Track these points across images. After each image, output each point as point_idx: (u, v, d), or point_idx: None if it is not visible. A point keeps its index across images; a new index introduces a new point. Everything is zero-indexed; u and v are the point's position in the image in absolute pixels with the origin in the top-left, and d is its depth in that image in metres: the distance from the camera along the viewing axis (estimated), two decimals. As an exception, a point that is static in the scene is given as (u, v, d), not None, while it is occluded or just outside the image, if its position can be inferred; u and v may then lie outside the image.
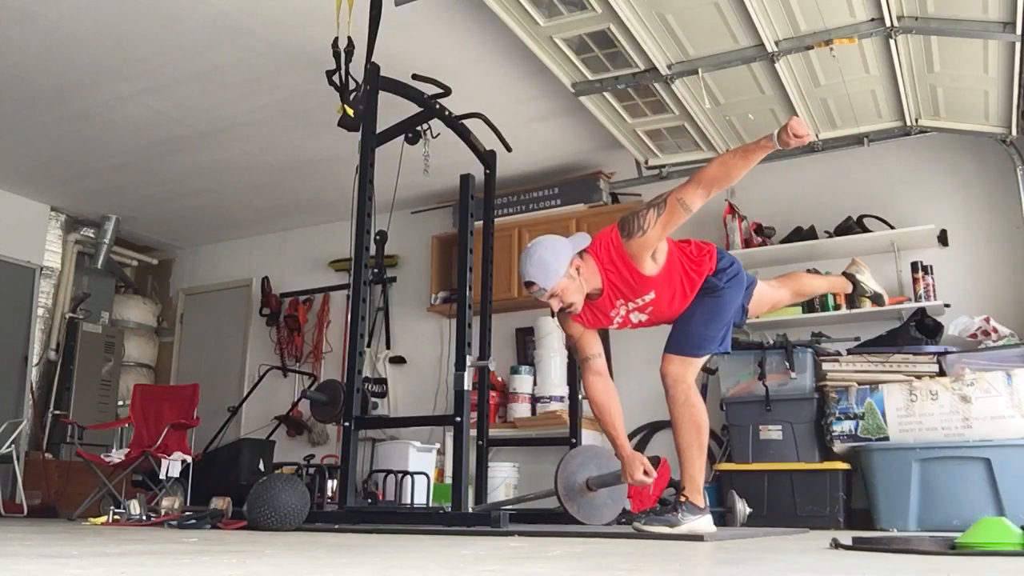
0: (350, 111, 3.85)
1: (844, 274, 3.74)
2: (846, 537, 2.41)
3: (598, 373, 3.08)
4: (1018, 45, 3.82)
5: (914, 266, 4.86)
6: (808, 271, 4.44)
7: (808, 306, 5.03)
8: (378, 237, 5.12)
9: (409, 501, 5.10)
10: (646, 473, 3.04)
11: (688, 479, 2.94)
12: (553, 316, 3.04)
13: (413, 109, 4.32)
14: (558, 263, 2.86)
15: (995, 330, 4.44)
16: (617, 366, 5.13)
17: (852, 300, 4.72)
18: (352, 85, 3.90)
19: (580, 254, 2.92)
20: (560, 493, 3.27)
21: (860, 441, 4.30)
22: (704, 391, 4.95)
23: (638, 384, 5.22)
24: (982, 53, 4.02)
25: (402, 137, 4.34)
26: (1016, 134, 4.59)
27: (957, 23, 3.82)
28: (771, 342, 4.81)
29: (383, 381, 6.41)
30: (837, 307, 4.96)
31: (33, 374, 6.72)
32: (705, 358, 3.09)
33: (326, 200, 6.62)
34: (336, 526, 3.42)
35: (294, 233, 7.45)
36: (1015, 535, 2.09)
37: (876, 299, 3.81)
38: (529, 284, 2.90)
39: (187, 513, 4.16)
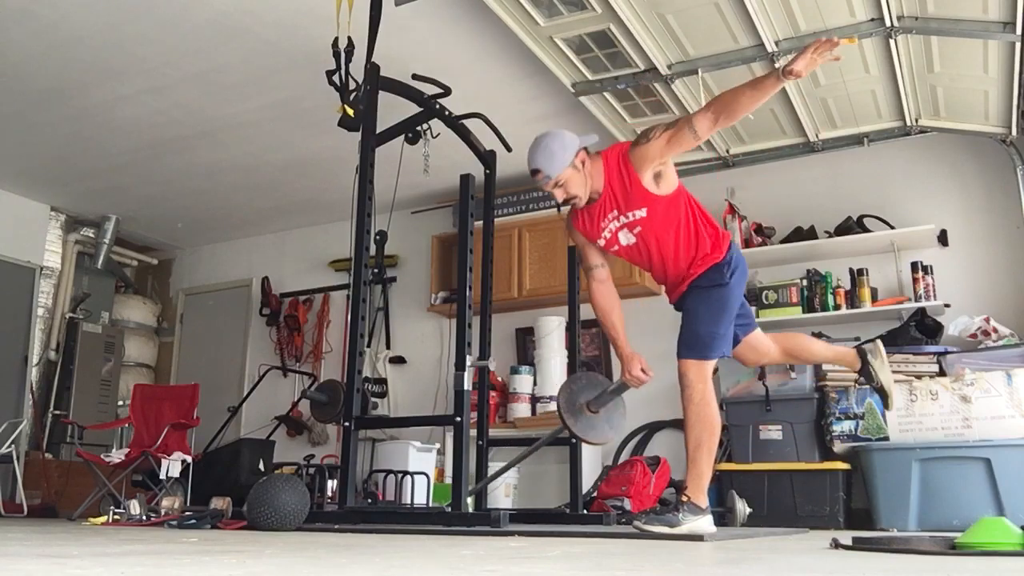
0: (350, 111, 3.85)
1: (857, 348, 3.48)
2: (846, 537, 2.41)
3: (601, 281, 3.15)
4: (1018, 45, 3.82)
5: (914, 266, 4.87)
6: (814, 334, 4.43)
7: (808, 306, 5.03)
8: (378, 237, 5.12)
9: (409, 501, 5.10)
10: (644, 371, 3.07)
11: (694, 479, 2.94)
12: (558, 211, 3.07)
13: (413, 109, 4.32)
14: (565, 153, 2.93)
15: (995, 330, 4.44)
16: (618, 365, 5.13)
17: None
18: (352, 85, 3.90)
19: (587, 150, 2.99)
20: (561, 409, 3.32)
21: (860, 441, 4.31)
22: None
23: (638, 384, 5.22)
24: (982, 53, 4.02)
25: (402, 137, 4.34)
26: (1016, 134, 4.59)
27: (957, 23, 3.82)
28: (771, 342, 4.81)
29: (383, 381, 6.41)
30: (837, 307, 4.97)
31: (33, 374, 6.72)
32: (717, 358, 3.06)
33: (326, 200, 6.62)
34: (336, 526, 3.42)
35: (294, 233, 7.46)
36: (1015, 535, 2.09)
37: (881, 394, 3.43)
38: (535, 172, 2.97)
39: (187, 513, 4.16)
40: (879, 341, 3.57)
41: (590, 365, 5.67)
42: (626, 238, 3.05)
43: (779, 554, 2.16)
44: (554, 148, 2.95)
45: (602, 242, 3.11)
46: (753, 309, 5.12)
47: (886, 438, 4.24)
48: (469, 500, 3.81)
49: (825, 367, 4.55)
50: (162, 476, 4.99)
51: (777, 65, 2.80)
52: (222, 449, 6.00)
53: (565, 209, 3.16)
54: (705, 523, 2.89)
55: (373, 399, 6.16)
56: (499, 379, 5.77)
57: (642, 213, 2.98)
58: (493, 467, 5.04)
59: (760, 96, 2.82)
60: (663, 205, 2.97)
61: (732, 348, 3.13)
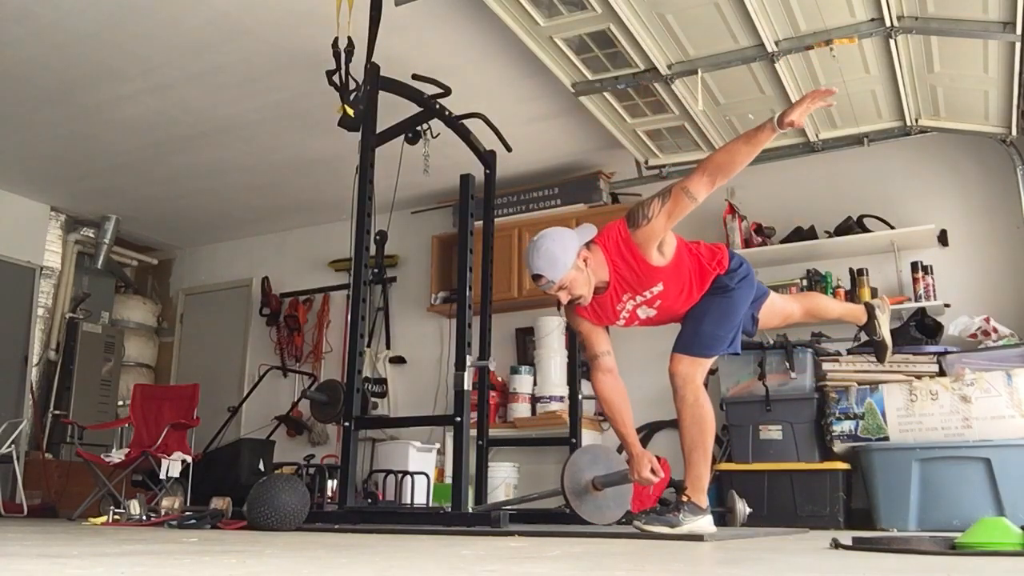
0: (350, 111, 3.85)
1: (865, 304, 3.61)
2: (846, 537, 2.41)
3: (608, 371, 3.06)
4: (1018, 45, 3.82)
5: (914, 266, 4.87)
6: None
7: (808, 306, 5.03)
8: (378, 237, 5.12)
9: (409, 501, 5.10)
10: (653, 472, 3.03)
11: (693, 479, 2.94)
12: (559, 309, 3.04)
13: (413, 109, 4.32)
14: (566, 255, 2.84)
15: (995, 330, 4.44)
16: (619, 367, 5.13)
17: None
18: (352, 85, 3.90)
19: (587, 245, 2.90)
20: (566, 490, 3.26)
21: (860, 441, 4.30)
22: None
23: (639, 384, 5.19)
24: (982, 53, 4.02)
25: (402, 137, 4.34)
26: (1016, 134, 4.59)
27: (957, 23, 3.82)
28: (771, 342, 4.81)
29: (383, 381, 6.41)
30: (837, 307, 4.96)
31: (33, 374, 6.72)
32: (714, 358, 3.08)
33: (326, 200, 6.62)
34: (336, 526, 3.42)
35: (294, 233, 7.45)
36: (1015, 535, 2.09)
37: (879, 347, 3.58)
38: (537, 277, 2.87)
39: (187, 513, 4.16)
40: (886, 297, 3.71)
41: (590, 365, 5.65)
42: (646, 313, 3.01)
43: (779, 554, 2.16)
44: (555, 252, 2.84)
45: (621, 322, 3.04)
46: (753, 309, 5.15)
47: (886, 438, 4.24)
48: (468, 496, 3.80)
49: (825, 367, 4.55)
50: (162, 476, 4.99)
51: (773, 117, 2.77)
52: (222, 449, 6.00)
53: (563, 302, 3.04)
54: (705, 523, 2.89)
55: (373, 399, 6.16)
56: (499, 379, 5.76)
57: (658, 288, 2.94)
58: (493, 467, 5.05)
59: (755, 150, 2.78)
60: (674, 271, 2.94)
61: (747, 333, 3.17)
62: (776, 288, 5.09)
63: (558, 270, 2.84)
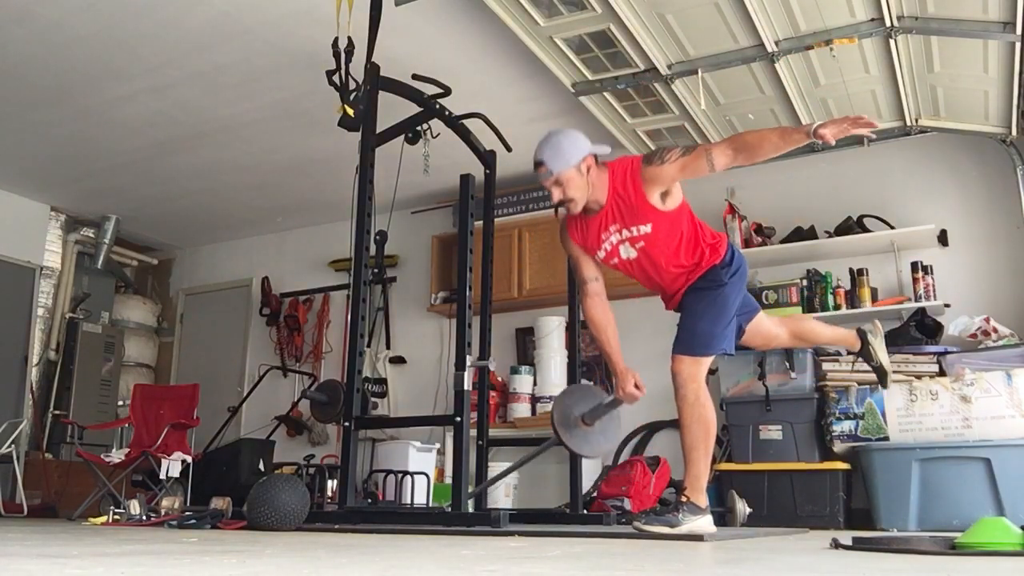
0: (350, 111, 3.85)
1: (858, 330, 3.53)
2: (846, 537, 2.41)
3: (596, 295, 3.12)
4: (1018, 45, 3.82)
5: (914, 266, 4.87)
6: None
7: (808, 306, 5.03)
8: (378, 237, 5.11)
9: (409, 501, 5.10)
10: (637, 387, 3.05)
11: (692, 479, 2.94)
12: (555, 213, 3.07)
13: (413, 109, 4.32)
14: (572, 152, 2.91)
15: (995, 330, 4.44)
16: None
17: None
18: (352, 85, 3.90)
19: (596, 158, 2.96)
20: (555, 422, 3.29)
21: (860, 441, 4.31)
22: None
23: (638, 384, 5.21)
24: (982, 53, 4.02)
25: (402, 137, 4.34)
26: (1016, 134, 4.59)
27: (957, 23, 3.82)
28: (771, 342, 4.81)
29: (383, 381, 6.41)
30: (837, 307, 4.97)
31: (33, 374, 6.72)
32: (712, 357, 3.06)
33: (326, 200, 6.62)
34: (336, 526, 3.42)
35: (294, 233, 7.46)
36: (1015, 535, 2.09)
37: (879, 372, 3.53)
38: (538, 164, 2.96)
39: (187, 513, 4.16)
40: (877, 321, 3.62)
41: (590, 365, 5.67)
42: (627, 252, 3.03)
43: (779, 554, 2.16)
44: (563, 145, 2.94)
45: (602, 254, 3.07)
46: (753, 309, 5.15)
47: (886, 438, 4.24)
48: (469, 502, 3.80)
49: (825, 367, 4.55)
50: (162, 476, 4.99)
51: (811, 124, 2.75)
52: (222, 449, 6.00)
53: (561, 212, 3.12)
54: (705, 523, 2.89)
55: (373, 399, 6.16)
56: (499, 379, 5.76)
57: (646, 229, 2.96)
58: (493, 467, 5.05)
59: (784, 147, 2.80)
60: (668, 221, 2.96)
61: (734, 343, 3.12)
62: (776, 288, 5.12)
63: (559, 163, 2.91)
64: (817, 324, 3.62)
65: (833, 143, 2.75)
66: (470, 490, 4.16)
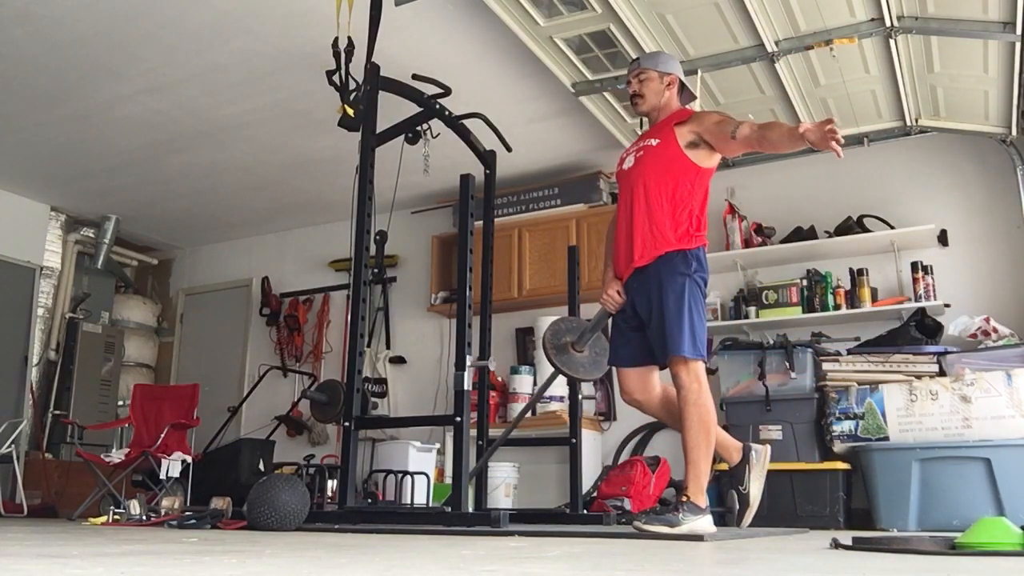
0: (350, 111, 3.85)
1: (744, 444, 3.18)
2: (846, 537, 2.41)
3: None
4: (1018, 45, 3.82)
5: (914, 266, 4.87)
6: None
7: (808, 306, 5.03)
8: (378, 237, 5.12)
9: (409, 501, 5.10)
10: (617, 292, 3.16)
11: (693, 479, 2.93)
12: (631, 103, 3.29)
13: (413, 109, 4.32)
14: (667, 63, 3.26)
15: (995, 330, 4.44)
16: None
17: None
18: (352, 85, 3.90)
19: (682, 87, 3.25)
20: (547, 344, 3.44)
21: (860, 441, 4.30)
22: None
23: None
24: (982, 53, 4.02)
25: (402, 137, 4.33)
26: (1016, 134, 4.59)
27: (957, 23, 3.82)
28: (771, 342, 4.82)
29: (383, 381, 6.41)
30: (837, 307, 4.97)
31: (33, 374, 6.72)
32: (703, 355, 3.00)
33: (326, 200, 6.62)
34: (336, 526, 3.42)
35: (294, 233, 7.46)
36: (1015, 535, 2.09)
37: (741, 501, 3.09)
38: (633, 61, 3.30)
39: (187, 513, 4.16)
40: (768, 448, 3.23)
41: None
42: (630, 160, 3.21)
43: (779, 554, 2.16)
44: (662, 56, 3.30)
45: (617, 162, 3.30)
46: (753, 309, 5.15)
47: (886, 438, 4.24)
48: (469, 496, 3.80)
49: (825, 367, 4.54)
50: (162, 476, 4.99)
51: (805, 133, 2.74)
52: (222, 449, 6.00)
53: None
54: (705, 523, 2.89)
55: (373, 399, 6.16)
56: (499, 379, 5.76)
57: (653, 142, 3.15)
58: (494, 467, 5.05)
59: (792, 147, 2.92)
60: (674, 154, 3.07)
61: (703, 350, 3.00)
62: (776, 288, 5.13)
63: (651, 62, 3.25)
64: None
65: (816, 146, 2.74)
66: (471, 500, 4.16)
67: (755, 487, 3.11)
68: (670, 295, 2.98)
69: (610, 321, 3.30)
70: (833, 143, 2.68)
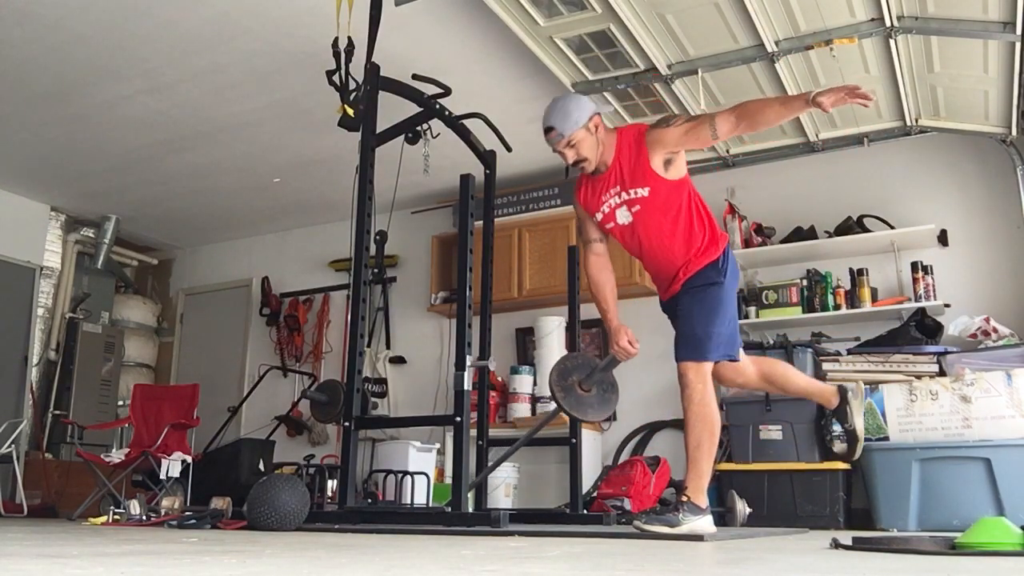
0: (350, 111, 3.85)
1: (839, 387, 3.37)
2: (846, 537, 2.41)
3: (599, 254, 3.19)
4: (1018, 45, 3.82)
5: (914, 266, 4.87)
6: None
7: (808, 306, 5.03)
8: (378, 237, 5.12)
9: (409, 501, 5.10)
10: (631, 343, 3.08)
11: (694, 479, 2.93)
12: (566, 174, 3.11)
13: (413, 109, 4.32)
14: (580, 113, 2.98)
15: (995, 330, 4.44)
16: (616, 369, 5.13)
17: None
18: (352, 85, 3.90)
19: (602, 118, 3.04)
20: (553, 384, 3.34)
21: (860, 441, 4.30)
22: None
23: (638, 386, 5.22)
24: (982, 53, 4.02)
25: (402, 137, 4.33)
26: (1016, 134, 4.59)
27: (957, 23, 3.82)
28: (771, 342, 4.82)
29: (383, 381, 6.41)
30: (837, 307, 4.97)
31: (33, 374, 6.72)
32: (715, 359, 3.02)
33: (326, 200, 6.62)
34: (336, 526, 3.42)
35: (294, 233, 7.46)
36: (1015, 535, 2.09)
37: (850, 437, 3.33)
38: (548, 130, 3.02)
39: (187, 513, 4.16)
40: (861, 383, 3.45)
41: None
42: (623, 216, 3.07)
43: (779, 554, 2.16)
44: (570, 108, 3.00)
45: (599, 216, 3.12)
46: (753, 309, 5.15)
47: (886, 438, 4.24)
48: (469, 496, 3.80)
49: (825, 367, 4.55)
50: (162, 476, 4.99)
51: (810, 92, 2.76)
52: (222, 449, 6.00)
53: (575, 171, 3.17)
54: (705, 523, 2.89)
55: (373, 399, 6.16)
56: (499, 379, 5.76)
57: (644, 192, 3.00)
58: (493, 467, 5.04)
59: (787, 114, 2.86)
60: (666, 189, 2.99)
61: (738, 349, 3.10)
62: (776, 288, 5.13)
63: (569, 125, 2.98)
64: (792, 371, 3.41)
65: (830, 110, 2.76)
66: (470, 500, 4.16)
67: (859, 422, 3.32)
68: (698, 304, 3.01)
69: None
70: (858, 97, 2.69)
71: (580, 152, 3.01)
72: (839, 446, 3.55)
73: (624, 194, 3.03)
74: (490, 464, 4.25)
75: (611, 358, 3.23)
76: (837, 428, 4.34)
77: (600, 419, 3.56)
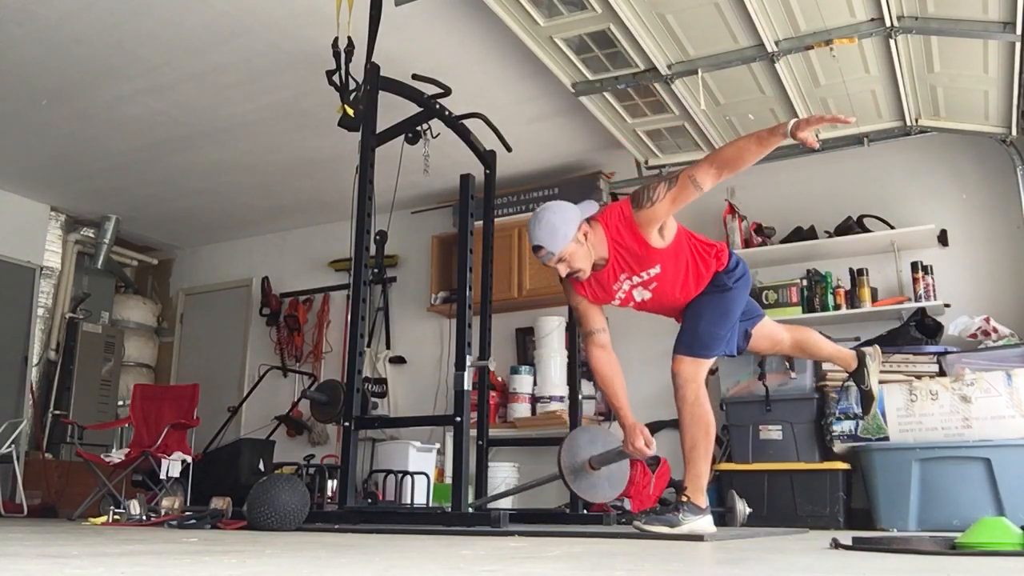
0: (350, 111, 3.85)
1: (856, 350, 3.54)
2: (846, 537, 2.41)
3: (602, 347, 3.10)
4: (1018, 45, 3.82)
5: (914, 266, 4.86)
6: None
7: (808, 306, 5.03)
8: (378, 237, 5.12)
9: (409, 501, 5.10)
10: (646, 443, 3.03)
11: (692, 479, 2.94)
12: (561, 283, 3.06)
13: (413, 109, 4.33)
14: (567, 227, 2.87)
15: (995, 330, 4.44)
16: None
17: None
18: (352, 85, 3.90)
19: (588, 220, 2.94)
20: (562, 466, 3.27)
21: (860, 441, 4.31)
22: (704, 391, 4.95)
23: (637, 386, 5.18)
24: (982, 53, 4.02)
25: (402, 137, 4.34)
26: (1016, 134, 4.59)
27: (957, 23, 3.82)
28: (771, 342, 4.81)
29: (383, 381, 6.41)
30: (837, 307, 4.96)
31: (33, 374, 6.72)
32: (714, 358, 3.08)
33: (326, 200, 6.62)
34: (336, 526, 3.42)
35: (294, 233, 7.46)
36: (1015, 535, 2.09)
37: (865, 398, 3.57)
38: (537, 248, 2.91)
39: (187, 513, 4.16)
40: (877, 346, 3.62)
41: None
42: (641, 295, 3.05)
43: (779, 554, 2.16)
44: (556, 223, 2.87)
45: (617, 302, 3.08)
46: (753, 309, 5.15)
47: (886, 438, 4.24)
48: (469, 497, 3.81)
49: (825, 367, 4.55)
50: (162, 476, 4.99)
51: (787, 123, 2.74)
52: (222, 449, 6.00)
53: (563, 269, 3.03)
54: (705, 523, 2.89)
55: (373, 399, 6.16)
56: (499, 379, 5.76)
57: (656, 271, 2.97)
58: (493, 467, 5.05)
59: (764, 151, 2.82)
60: (672, 254, 2.97)
61: (737, 348, 3.15)
62: (776, 288, 5.12)
63: (558, 242, 2.87)
64: (820, 337, 3.55)
65: (816, 147, 2.75)
66: (471, 500, 4.17)
67: (874, 382, 3.51)
68: (706, 306, 3.03)
69: None
70: (836, 121, 2.76)
71: (573, 264, 2.92)
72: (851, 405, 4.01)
73: (636, 277, 2.99)
74: (491, 495, 4.23)
75: (622, 452, 3.16)
76: (837, 428, 4.38)
77: (611, 498, 3.55)
